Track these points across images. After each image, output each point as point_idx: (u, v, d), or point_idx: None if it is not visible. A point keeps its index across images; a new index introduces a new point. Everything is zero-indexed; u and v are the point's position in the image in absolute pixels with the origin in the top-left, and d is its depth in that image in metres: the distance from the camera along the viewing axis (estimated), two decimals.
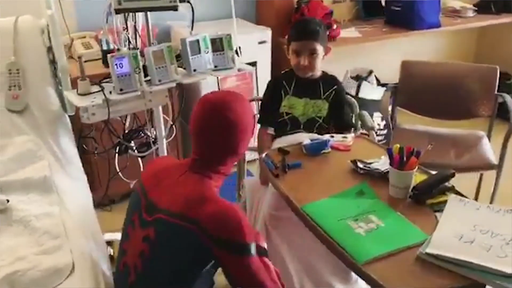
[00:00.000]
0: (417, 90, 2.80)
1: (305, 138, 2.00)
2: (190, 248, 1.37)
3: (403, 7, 3.64)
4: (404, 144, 1.58)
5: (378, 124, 3.41)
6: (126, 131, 2.34)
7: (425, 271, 1.28)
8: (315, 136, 2.00)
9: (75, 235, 1.69)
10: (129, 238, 1.52)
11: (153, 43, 2.19)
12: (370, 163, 1.76)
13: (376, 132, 2.29)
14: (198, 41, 2.17)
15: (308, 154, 1.89)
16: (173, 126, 2.44)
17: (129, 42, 2.17)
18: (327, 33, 3.21)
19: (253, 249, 1.34)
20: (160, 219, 1.41)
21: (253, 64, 3.17)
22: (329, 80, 2.24)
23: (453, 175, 1.62)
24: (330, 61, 3.77)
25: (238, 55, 2.44)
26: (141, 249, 1.44)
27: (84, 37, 3.03)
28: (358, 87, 3.52)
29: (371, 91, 3.49)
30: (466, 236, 1.35)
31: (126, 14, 2.10)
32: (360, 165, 1.76)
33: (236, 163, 1.59)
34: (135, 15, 2.15)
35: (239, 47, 2.41)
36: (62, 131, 2.14)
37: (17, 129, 2.05)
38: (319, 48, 2.11)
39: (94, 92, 2.03)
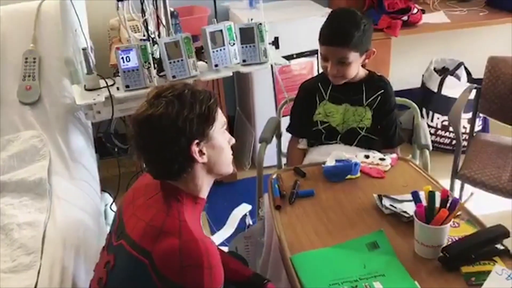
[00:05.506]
0: (506, 94, 2.24)
1: (343, 152, 1.65)
2: (141, 285, 1.13)
3: None
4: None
5: (464, 127, 2.87)
6: None
7: None
8: (344, 154, 1.61)
9: (53, 251, 1.53)
10: (99, 260, 1.35)
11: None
12: (399, 201, 1.36)
13: (429, 150, 1.81)
14: (221, 31, 1.87)
15: (327, 179, 1.53)
16: None
17: (147, 30, 1.93)
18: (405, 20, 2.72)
19: None
20: (122, 246, 1.21)
21: (315, 53, 2.78)
22: (375, 82, 1.80)
23: (506, 236, 1.18)
24: (409, 49, 3.30)
25: (277, 47, 2.12)
26: (100, 276, 1.27)
27: (134, 19, 2.87)
28: (441, 82, 2.98)
29: (457, 88, 2.92)
30: None
31: None
32: (386, 202, 1.37)
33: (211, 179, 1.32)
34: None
35: (277, 38, 2.08)
36: (74, 127, 1.99)
37: (26, 122, 1.93)
38: (351, 55, 1.66)
39: (103, 87, 1.84)
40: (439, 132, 3.05)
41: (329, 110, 1.82)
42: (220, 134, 1.22)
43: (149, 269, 1.10)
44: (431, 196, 1.17)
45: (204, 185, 1.24)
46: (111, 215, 2.16)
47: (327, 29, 1.69)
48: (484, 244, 1.16)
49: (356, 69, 1.73)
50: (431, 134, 3.06)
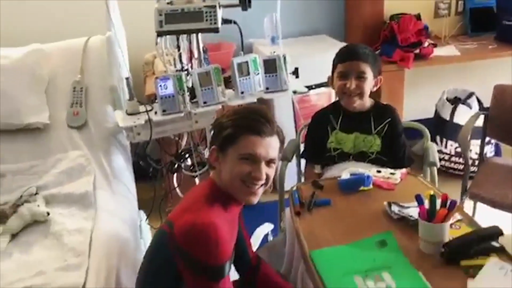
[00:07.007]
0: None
1: (357, 167, 1.82)
2: (159, 252, 1.36)
3: None
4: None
5: (476, 153, 3.01)
6: (180, 150, 2.35)
7: None
8: (358, 169, 1.79)
9: (98, 253, 1.72)
10: None
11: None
12: (407, 207, 1.52)
13: (436, 166, 1.98)
14: (247, 62, 2.10)
15: (342, 191, 1.70)
16: None
17: (181, 62, 2.17)
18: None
19: (224, 271, 1.29)
20: None
21: None
22: (381, 111, 1.99)
23: (499, 234, 1.33)
24: (422, 81, 3.48)
25: (297, 77, 2.33)
26: None
27: (168, 54, 3.13)
28: (453, 111, 3.15)
29: (469, 116, 3.08)
30: None
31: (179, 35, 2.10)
32: (395, 208, 1.53)
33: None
34: (190, 36, 2.15)
35: (297, 68, 2.30)
36: (115, 148, 2.22)
37: (73, 144, 2.17)
38: (368, 71, 1.89)
39: (143, 112, 2.07)
40: (453, 158, 3.19)
41: (340, 138, 2.01)
42: None
43: (168, 238, 1.30)
44: (432, 199, 1.34)
45: None
46: (145, 230, 2.36)
47: (346, 49, 1.97)
48: (480, 241, 1.32)
49: (369, 89, 1.92)
50: (445, 160, 3.21)
